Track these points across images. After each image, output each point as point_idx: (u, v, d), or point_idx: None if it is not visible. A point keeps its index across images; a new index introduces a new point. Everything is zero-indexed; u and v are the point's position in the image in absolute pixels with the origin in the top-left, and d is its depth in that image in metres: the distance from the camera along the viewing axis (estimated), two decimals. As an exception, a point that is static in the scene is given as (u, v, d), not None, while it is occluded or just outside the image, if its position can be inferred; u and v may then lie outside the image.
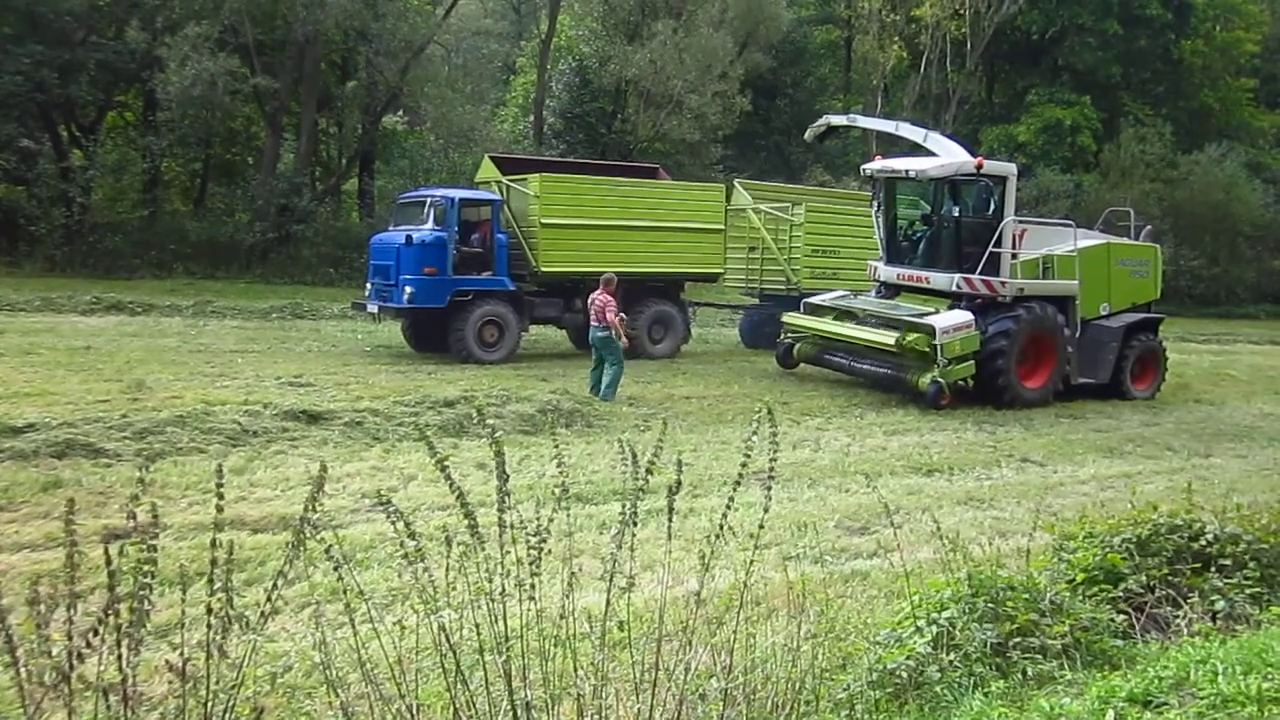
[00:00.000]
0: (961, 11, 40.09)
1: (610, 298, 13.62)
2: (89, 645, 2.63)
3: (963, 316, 14.43)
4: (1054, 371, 15.30)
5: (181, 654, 2.79)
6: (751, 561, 3.84)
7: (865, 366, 15.38)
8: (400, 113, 34.59)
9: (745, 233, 20.80)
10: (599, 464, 9.82)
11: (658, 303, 18.32)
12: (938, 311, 14.85)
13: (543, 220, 16.82)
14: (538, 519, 3.34)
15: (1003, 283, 14.89)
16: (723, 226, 19.34)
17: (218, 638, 2.84)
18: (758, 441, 3.77)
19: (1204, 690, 3.68)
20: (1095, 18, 41.52)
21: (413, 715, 3.17)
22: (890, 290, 16.34)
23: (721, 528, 3.55)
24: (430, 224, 16.05)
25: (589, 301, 14.01)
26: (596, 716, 3.30)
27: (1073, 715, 3.64)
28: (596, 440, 11.01)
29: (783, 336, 16.94)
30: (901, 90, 43.67)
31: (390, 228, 17.23)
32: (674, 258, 18.32)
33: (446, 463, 3.34)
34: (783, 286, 20.35)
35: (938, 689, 4.14)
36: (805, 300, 17.06)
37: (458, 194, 16.82)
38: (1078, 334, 15.69)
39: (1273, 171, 43.84)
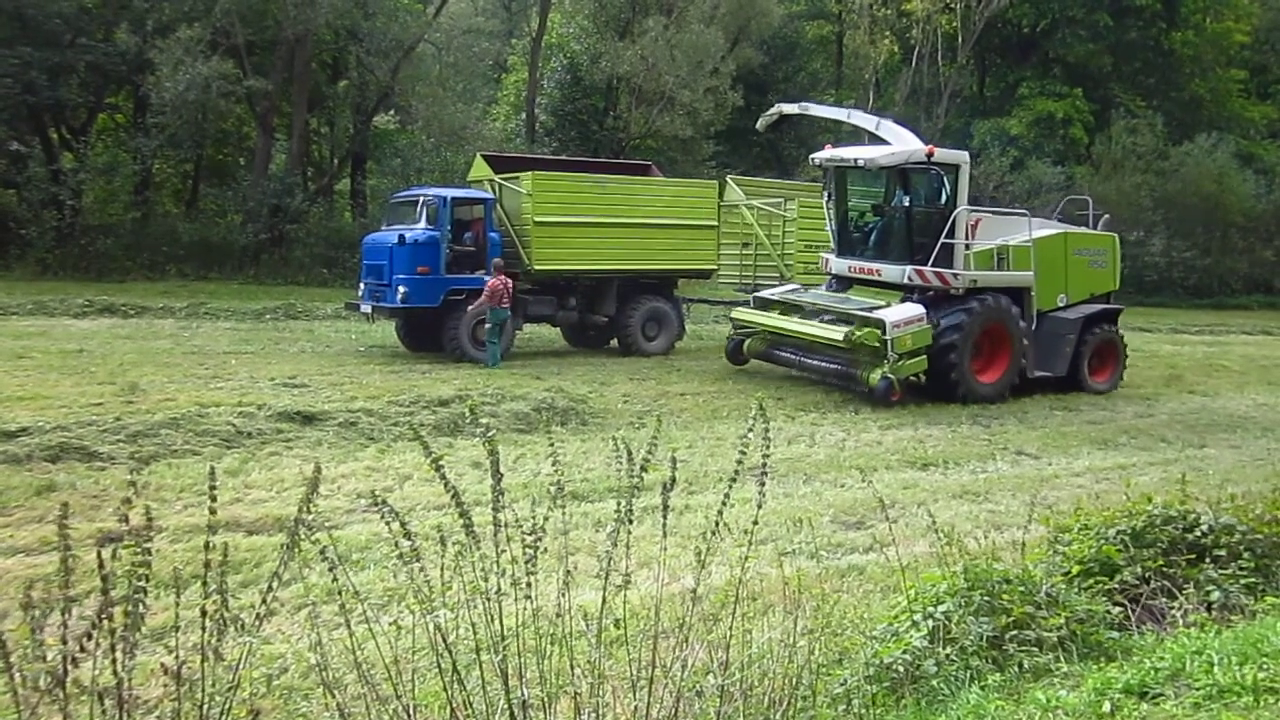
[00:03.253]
0: (952, 5, 40.11)
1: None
2: (83, 649, 2.62)
3: (914, 310, 14.08)
4: (1009, 365, 14.90)
5: (177, 657, 2.78)
6: (747, 558, 3.85)
7: (815, 362, 14.92)
8: (392, 112, 34.45)
9: (738, 229, 20.77)
10: (594, 461, 9.82)
11: (651, 300, 18.32)
12: (889, 305, 14.41)
13: (536, 218, 16.80)
14: (533, 517, 3.34)
15: (955, 274, 14.56)
16: (715, 223, 19.34)
17: (213, 640, 2.84)
18: (752, 437, 3.77)
19: (1199, 681, 3.69)
20: (1085, 10, 41.56)
21: (409, 715, 3.17)
22: (842, 283, 15.93)
23: (717, 524, 3.55)
24: (423, 223, 16.03)
25: (489, 289, 15.40)
26: (594, 714, 3.30)
27: (1069, 707, 3.65)
28: (591, 438, 11.01)
29: (732, 332, 16.54)
30: (893, 84, 43.68)
31: (383, 227, 17.21)
32: (667, 254, 18.32)
33: (441, 462, 3.34)
34: (776, 282, 20.32)
35: (934, 682, 4.15)
36: (755, 295, 16.69)
37: (450, 193, 16.79)
38: (1034, 326, 15.38)
39: (1264, 162, 43.91)
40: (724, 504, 3.65)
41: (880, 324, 13.71)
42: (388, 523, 3.24)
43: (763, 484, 3.76)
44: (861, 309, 14.41)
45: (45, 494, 7.77)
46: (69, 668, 2.60)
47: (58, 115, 27.11)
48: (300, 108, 29.65)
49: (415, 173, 30.01)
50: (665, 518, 3.64)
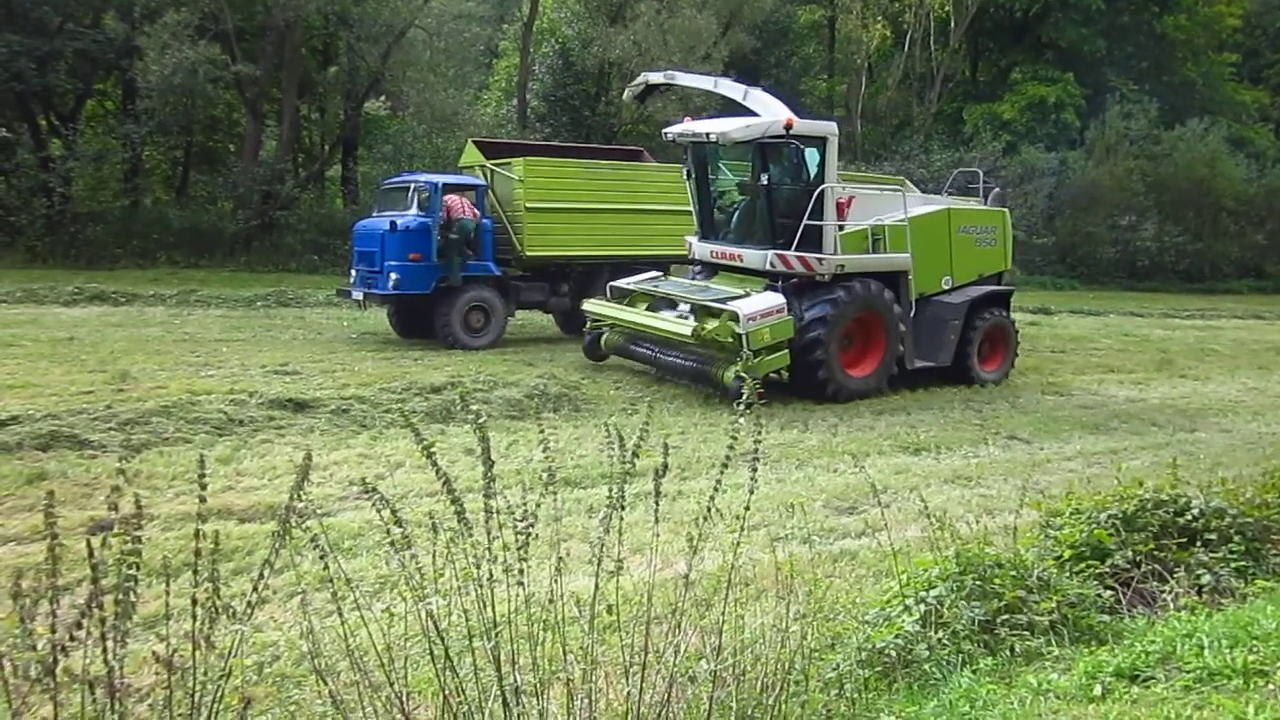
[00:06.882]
0: (945, -11, 40.06)
1: None
2: (73, 638, 2.61)
3: (773, 300, 12.66)
4: (884, 357, 13.59)
5: (168, 645, 2.77)
6: (739, 543, 3.85)
7: (672, 359, 13.42)
8: (382, 98, 34.31)
9: (730, 214, 20.73)
10: (587, 448, 9.82)
11: (644, 286, 18.28)
12: (748, 294, 12.99)
13: (527, 204, 16.74)
14: (525, 504, 3.33)
15: (820, 259, 13.15)
16: (708, 208, 19.28)
17: (204, 628, 2.83)
18: (744, 423, 3.77)
19: (1190, 664, 3.71)
20: (1078, -7, 41.52)
21: (402, 702, 3.17)
22: (707, 270, 14.58)
23: (709, 510, 3.55)
24: (414, 210, 15.98)
25: (446, 208, 15.62)
26: (586, 700, 3.31)
27: (1060, 690, 3.67)
28: (584, 424, 11.02)
29: (588, 326, 15.06)
30: (886, 69, 43.59)
31: (374, 214, 17.14)
32: (659, 240, 18.21)
33: (433, 449, 3.33)
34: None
35: (926, 667, 4.16)
36: (611, 284, 15.10)
37: (441, 179, 16.71)
38: (913, 313, 14.00)
39: (1255, 146, 43.93)
40: (716, 489, 3.65)
41: (734, 316, 12.36)
42: (379, 510, 3.24)
43: (754, 469, 3.76)
44: (716, 299, 13.02)
45: (36, 483, 7.75)
46: (59, 657, 2.59)
47: (46, 102, 26.92)
48: (290, 94, 29.48)
49: (406, 159, 29.88)
50: (658, 504, 3.64)
